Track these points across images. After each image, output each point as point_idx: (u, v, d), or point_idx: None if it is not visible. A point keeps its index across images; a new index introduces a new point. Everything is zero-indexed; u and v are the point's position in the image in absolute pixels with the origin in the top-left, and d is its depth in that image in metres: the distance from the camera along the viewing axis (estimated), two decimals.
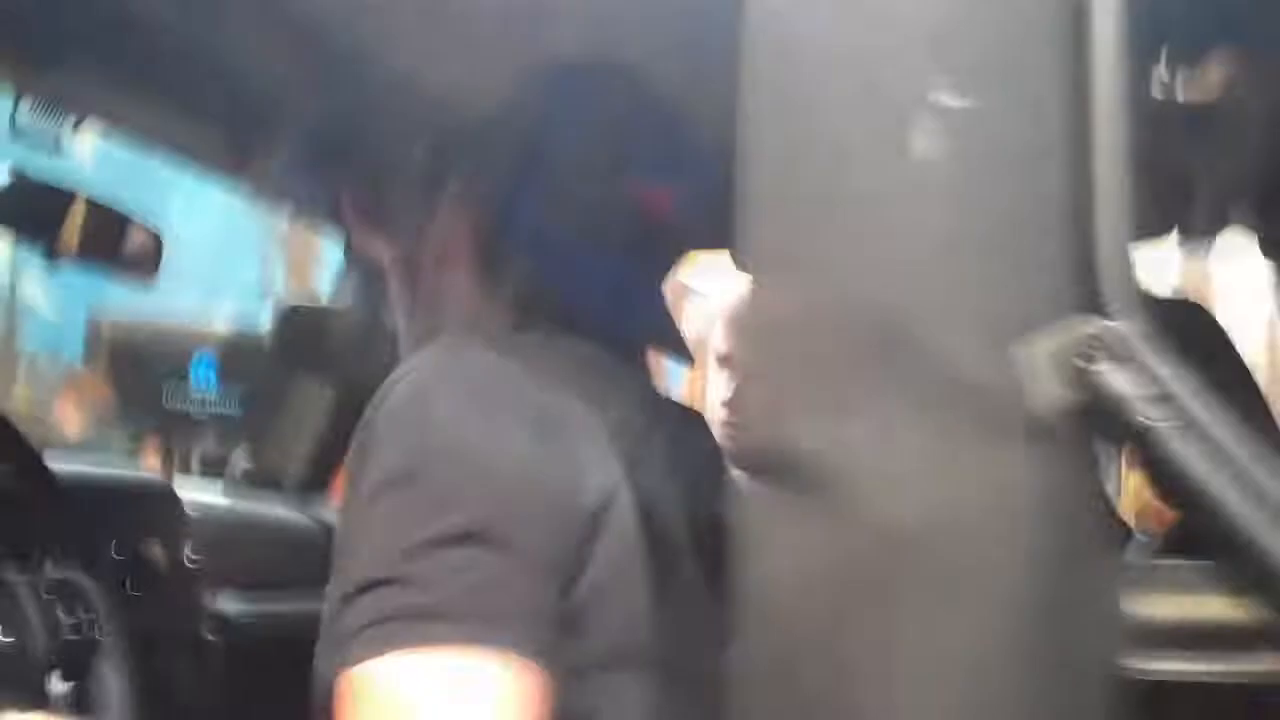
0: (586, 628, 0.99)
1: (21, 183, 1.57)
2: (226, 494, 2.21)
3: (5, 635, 1.27)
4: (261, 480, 2.28)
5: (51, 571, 1.38)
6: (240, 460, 2.33)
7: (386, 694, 0.89)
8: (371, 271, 2.18)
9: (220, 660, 1.76)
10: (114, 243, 1.71)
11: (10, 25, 1.41)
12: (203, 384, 6.78)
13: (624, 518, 1.02)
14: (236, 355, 7.29)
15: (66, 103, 1.58)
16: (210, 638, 1.73)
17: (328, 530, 2.16)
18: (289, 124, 1.81)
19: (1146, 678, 0.66)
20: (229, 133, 1.77)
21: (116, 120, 1.71)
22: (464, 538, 0.92)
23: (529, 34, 1.28)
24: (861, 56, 0.69)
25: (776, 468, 0.69)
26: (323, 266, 7.53)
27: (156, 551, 1.63)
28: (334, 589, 0.95)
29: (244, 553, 1.93)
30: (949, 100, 0.66)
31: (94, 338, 7.49)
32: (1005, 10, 0.68)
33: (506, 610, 0.92)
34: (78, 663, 1.37)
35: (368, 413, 1.00)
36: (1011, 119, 0.67)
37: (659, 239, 1.23)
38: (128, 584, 1.52)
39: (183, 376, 6.92)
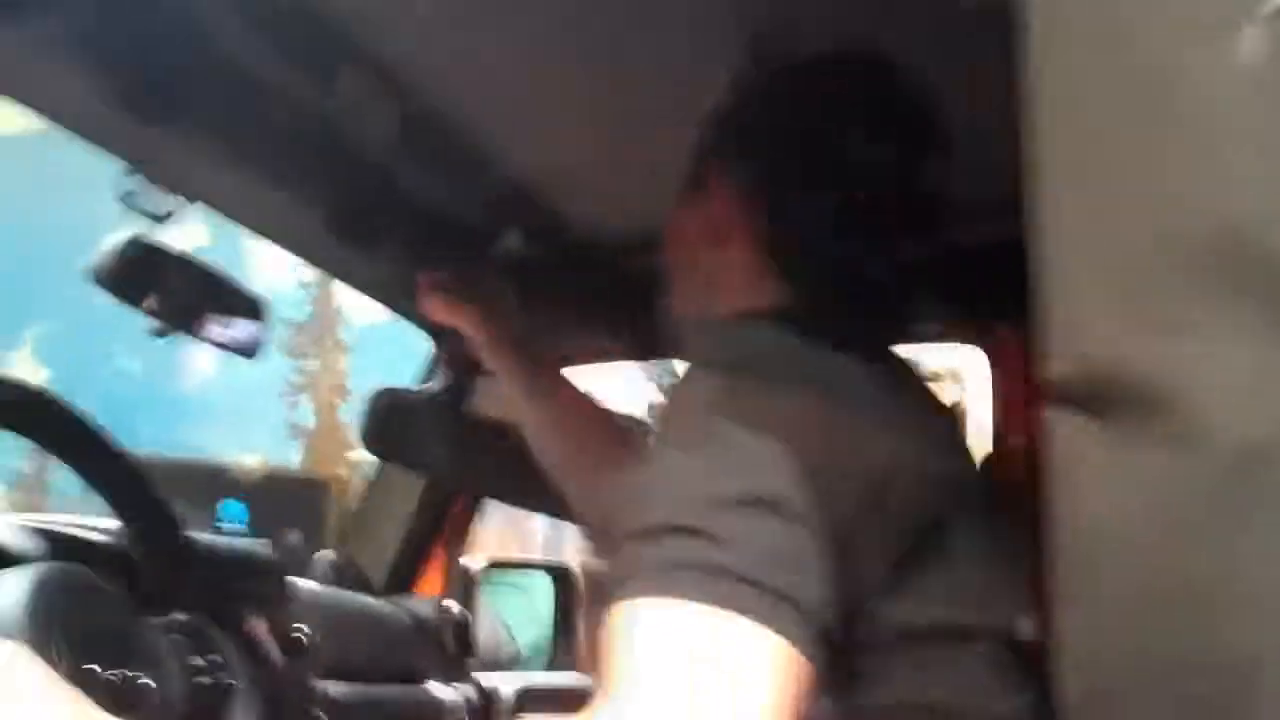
0: (877, 600, 1.02)
1: (132, 250, 1.54)
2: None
3: (145, 675, 1.22)
4: (348, 577, 2.22)
5: (180, 617, 1.35)
6: (327, 555, 2.27)
7: (658, 637, 0.89)
8: (458, 359, 2.18)
9: None
10: (218, 314, 1.69)
11: (126, 98, 1.40)
12: (233, 521, 6.74)
13: (906, 491, 1.04)
14: (266, 491, 7.27)
15: (175, 180, 1.58)
16: (322, 717, 1.67)
17: (418, 622, 2.12)
18: (400, 205, 1.82)
19: None
20: (334, 218, 1.77)
21: (223, 199, 1.72)
22: (761, 504, 0.94)
23: None
24: None
25: (1101, 396, 0.65)
26: (350, 404, 7.60)
27: (265, 622, 1.57)
28: (626, 528, 0.97)
29: (340, 638, 1.86)
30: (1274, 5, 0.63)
31: None
32: None
33: (793, 583, 0.92)
34: (213, 707, 1.34)
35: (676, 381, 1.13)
36: None
37: (927, 220, 1.26)
38: (249, 646, 1.46)
39: (213, 513, 6.89)
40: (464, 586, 2.32)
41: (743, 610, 0.89)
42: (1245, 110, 0.63)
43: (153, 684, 1.22)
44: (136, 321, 1.54)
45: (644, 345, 2.26)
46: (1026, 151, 0.68)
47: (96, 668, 1.16)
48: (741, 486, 0.95)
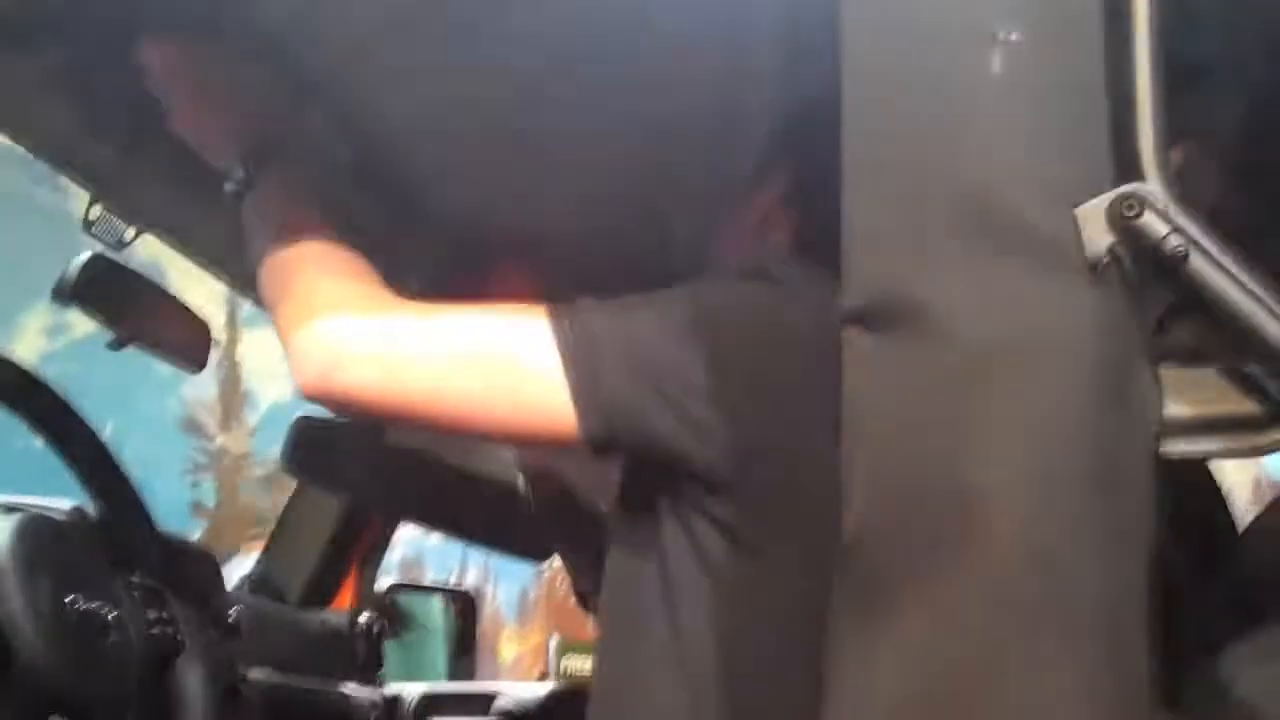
0: None
1: (99, 267, 1.72)
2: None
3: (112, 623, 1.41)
4: (267, 590, 2.39)
5: (139, 579, 1.54)
6: (249, 569, 2.44)
7: None
8: None
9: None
10: (172, 331, 1.88)
11: (100, 129, 1.60)
12: None
13: None
14: None
15: (131, 213, 1.78)
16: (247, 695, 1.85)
17: (332, 630, 2.31)
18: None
19: (1183, 457, 0.85)
20: None
21: (173, 233, 1.90)
22: None
23: None
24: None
25: (883, 313, 0.88)
26: (253, 483, 7.69)
27: (205, 604, 1.75)
28: None
29: (262, 634, 2.03)
30: (1014, 36, 0.87)
31: None
32: None
33: None
34: (165, 658, 1.53)
35: None
36: (1064, 44, 0.88)
37: None
38: (196, 615, 1.64)
39: None
40: (373, 605, 2.49)
41: None
42: (991, 106, 0.87)
43: (117, 631, 1.41)
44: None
45: None
46: (843, 136, 0.92)
47: (74, 598, 1.35)
48: None
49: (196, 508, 7.18)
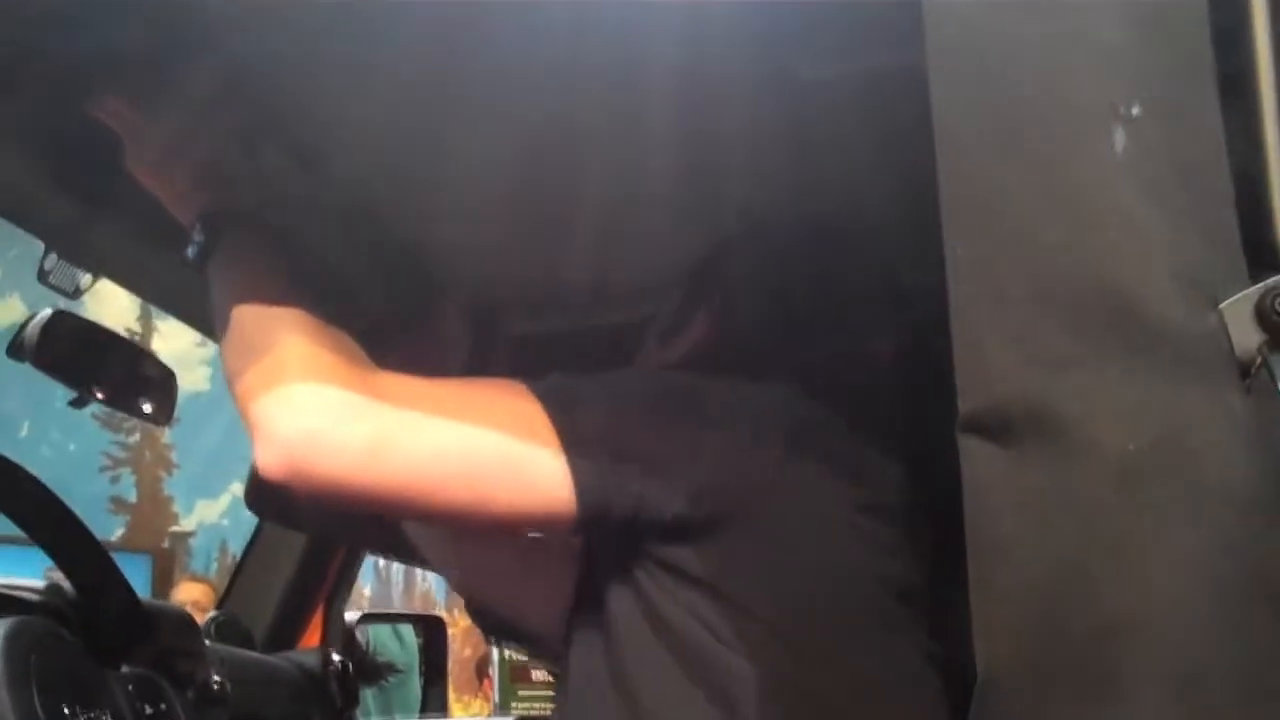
0: None
1: (61, 326, 1.62)
2: None
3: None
4: (234, 634, 2.30)
5: (131, 670, 1.44)
6: (212, 614, 2.35)
7: None
8: None
9: None
10: (138, 386, 1.77)
11: (58, 178, 1.50)
12: None
13: None
14: None
15: (85, 259, 1.67)
16: None
17: (306, 673, 2.22)
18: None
19: None
20: None
21: (127, 278, 1.79)
22: None
23: None
24: (1055, 76, 0.82)
25: (1004, 423, 0.80)
26: (174, 477, 7.56)
27: (188, 671, 1.67)
28: None
29: (240, 690, 1.95)
30: (1135, 110, 0.79)
31: None
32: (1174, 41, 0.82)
33: None
34: None
35: None
36: (1184, 119, 0.80)
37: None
38: (188, 695, 1.56)
39: None
40: (343, 639, 2.41)
41: None
42: (1115, 191, 0.80)
43: None
44: None
45: None
46: (943, 230, 0.83)
47: (67, 711, 1.25)
48: None
49: (116, 503, 7.01)
